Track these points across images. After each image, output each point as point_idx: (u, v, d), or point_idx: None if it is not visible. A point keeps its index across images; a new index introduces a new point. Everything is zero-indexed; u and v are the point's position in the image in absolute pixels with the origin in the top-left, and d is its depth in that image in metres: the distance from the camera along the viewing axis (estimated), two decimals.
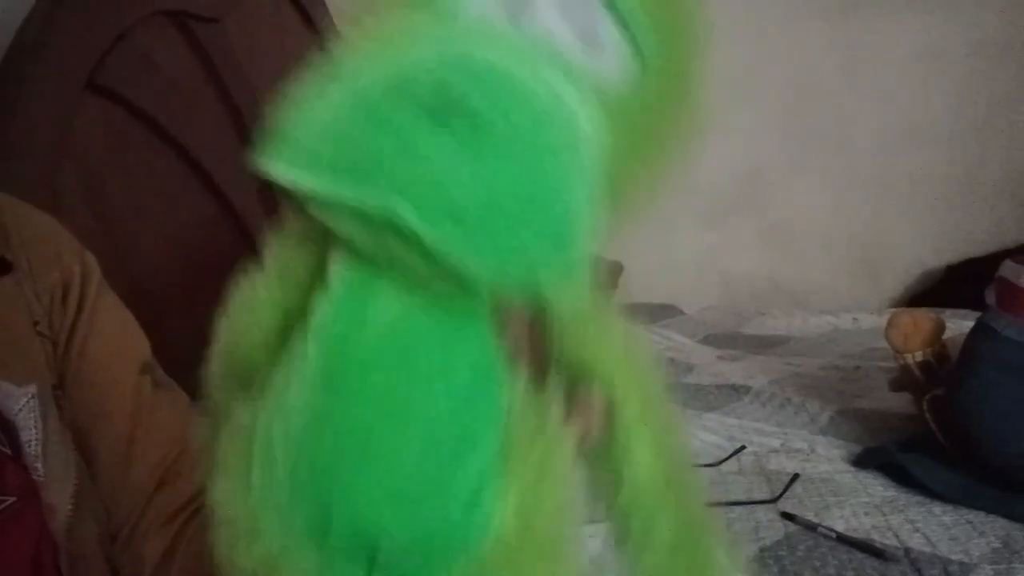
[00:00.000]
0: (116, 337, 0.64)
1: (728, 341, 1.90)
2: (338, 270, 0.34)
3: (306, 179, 0.31)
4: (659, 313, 2.17)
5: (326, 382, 0.32)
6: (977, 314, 1.04)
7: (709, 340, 1.92)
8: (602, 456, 0.37)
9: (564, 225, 0.32)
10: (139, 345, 0.66)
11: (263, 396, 0.34)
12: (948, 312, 1.71)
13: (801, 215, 2.38)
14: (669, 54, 0.38)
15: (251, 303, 0.38)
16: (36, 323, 0.58)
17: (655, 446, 0.38)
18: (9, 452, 0.51)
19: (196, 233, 1.16)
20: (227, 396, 0.38)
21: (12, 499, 0.50)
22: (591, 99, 0.34)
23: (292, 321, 0.36)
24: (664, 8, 0.38)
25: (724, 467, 1.13)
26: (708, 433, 1.26)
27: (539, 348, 0.35)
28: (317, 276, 0.36)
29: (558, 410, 0.35)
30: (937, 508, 0.97)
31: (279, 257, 0.38)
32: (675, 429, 0.40)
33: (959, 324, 1.33)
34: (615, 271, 2.24)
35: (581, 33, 0.36)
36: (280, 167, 0.32)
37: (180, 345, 0.82)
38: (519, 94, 0.32)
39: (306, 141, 0.32)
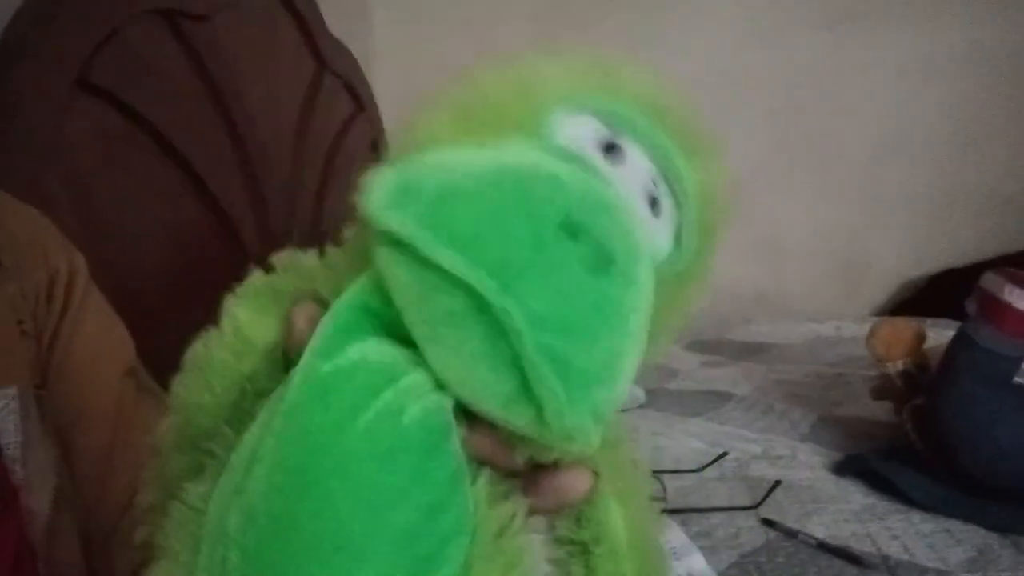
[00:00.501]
0: (101, 338, 0.63)
1: (713, 347, 1.92)
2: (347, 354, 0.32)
3: (408, 227, 0.29)
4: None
5: (299, 476, 0.30)
6: (958, 324, 1.05)
7: (694, 346, 1.93)
8: (576, 530, 0.37)
9: (622, 381, 0.32)
10: (124, 347, 0.66)
11: (218, 477, 0.32)
12: (929, 322, 1.73)
13: (786, 224, 2.40)
14: (703, 238, 0.39)
15: (204, 364, 0.36)
16: (21, 322, 0.57)
17: (627, 518, 0.38)
18: None
19: (185, 233, 1.16)
20: (176, 468, 0.37)
21: None
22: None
23: (249, 389, 0.35)
24: (710, 198, 0.40)
25: (706, 473, 1.14)
26: (691, 439, 1.27)
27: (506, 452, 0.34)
28: (275, 351, 0.35)
29: (522, 510, 0.34)
30: (916, 516, 0.98)
31: (237, 318, 0.36)
32: (646, 498, 0.40)
33: (940, 333, 1.35)
34: None
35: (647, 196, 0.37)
36: (387, 210, 0.30)
37: (167, 348, 0.82)
38: (633, 237, 0.32)
39: (423, 191, 0.30)
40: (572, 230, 0.29)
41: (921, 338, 1.14)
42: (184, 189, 1.15)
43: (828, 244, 2.40)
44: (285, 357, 0.35)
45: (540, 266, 0.29)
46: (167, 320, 1.07)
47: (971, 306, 1.05)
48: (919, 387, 1.11)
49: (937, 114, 2.28)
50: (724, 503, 1.03)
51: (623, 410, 1.38)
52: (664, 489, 1.01)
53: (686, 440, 1.27)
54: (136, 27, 1.05)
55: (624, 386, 0.31)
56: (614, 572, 0.37)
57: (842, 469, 1.12)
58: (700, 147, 0.40)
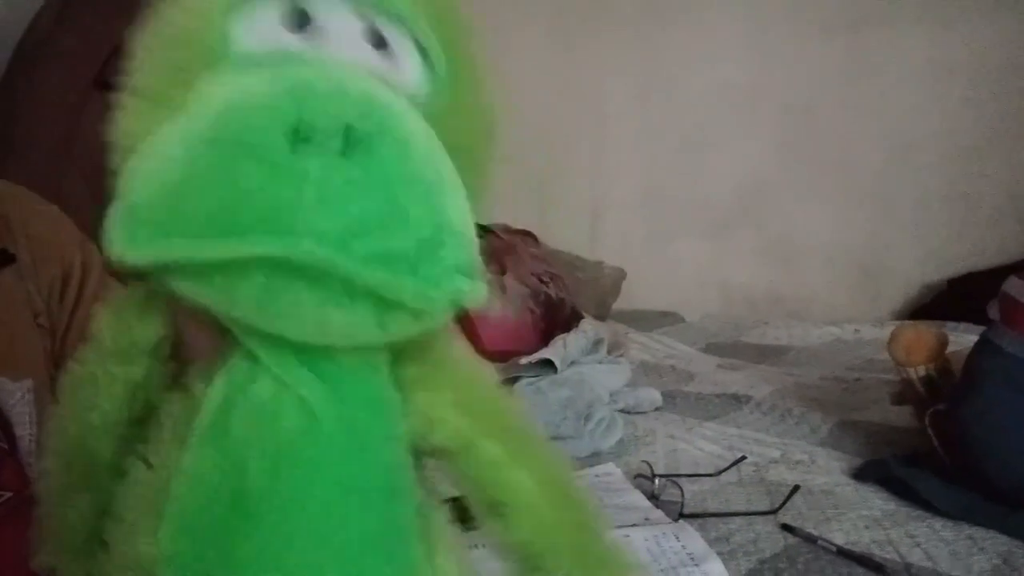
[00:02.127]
0: None
1: (729, 350, 1.90)
2: (233, 362, 0.32)
3: (164, 249, 0.29)
4: (660, 320, 2.17)
5: (233, 497, 0.31)
6: (978, 328, 1.04)
7: (711, 349, 1.92)
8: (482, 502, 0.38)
9: (448, 228, 0.32)
10: None
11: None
12: (949, 325, 1.71)
13: (803, 228, 2.38)
14: (456, 61, 0.38)
15: (84, 382, 0.36)
16: (36, 316, 0.58)
17: (532, 473, 0.38)
18: (6, 446, 0.51)
19: None
20: (75, 517, 0.37)
21: (9, 494, 0.50)
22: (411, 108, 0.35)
23: (140, 397, 0.35)
24: (445, 22, 0.38)
25: (723, 477, 1.13)
26: (708, 443, 1.26)
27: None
28: (161, 350, 0.35)
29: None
30: (938, 523, 0.97)
31: (119, 323, 0.36)
32: (544, 450, 0.40)
33: (961, 338, 1.33)
34: (618, 277, 2.25)
35: (376, 51, 0.36)
36: (132, 246, 0.29)
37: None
38: (376, 107, 0.31)
39: (154, 205, 0.29)
40: (301, 135, 0.29)
41: (943, 343, 1.13)
42: None
43: (846, 247, 2.38)
44: (174, 356, 0.35)
45: (295, 190, 0.28)
46: None
47: (993, 311, 1.03)
48: (941, 393, 1.09)
49: (956, 117, 2.26)
50: (742, 508, 1.02)
51: (639, 412, 1.38)
52: (682, 493, 1.00)
53: (703, 444, 1.26)
54: None
55: (465, 227, 0.32)
56: (536, 525, 0.37)
57: (862, 475, 1.10)
58: None
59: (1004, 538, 0.92)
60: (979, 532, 0.94)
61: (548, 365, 1.38)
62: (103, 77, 0.95)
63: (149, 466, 0.33)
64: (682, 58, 2.35)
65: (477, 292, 0.32)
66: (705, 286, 2.43)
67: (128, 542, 0.32)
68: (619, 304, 2.24)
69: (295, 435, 0.32)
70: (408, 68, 0.36)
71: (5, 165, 0.83)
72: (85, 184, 0.93)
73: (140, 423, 0.35)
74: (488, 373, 0.41)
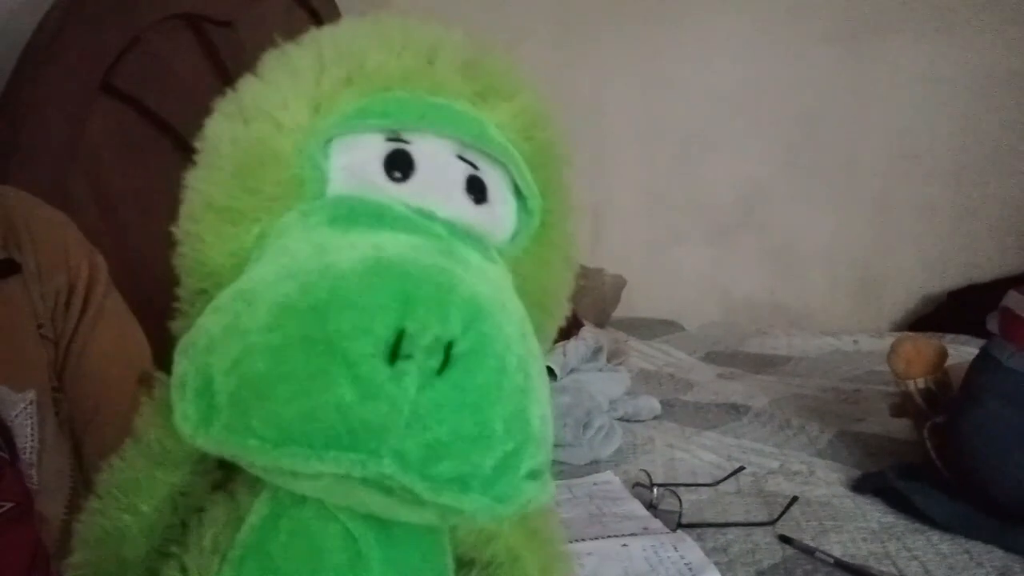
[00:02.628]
0: (117, 342, 0.63)
1: (729, 359, 1.90)
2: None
3: (241, 448, 0.27)
4: (660, 328, 2.17)
5: None
6: (978, 340, 1.04)
7: (710, 358, 1.92)
8: None
9: (537, 430, 0.31)
10: (140, 351, 0.66)
11: None
12: (949, 337, 1.72)
13: (803, 236, 2.38)
14: (552, 212, 0.38)
15: (124, 485, 0.35)
16: (40, 326, 0.57)
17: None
18: (6, 456, 0.51)
19: None
20: None
21: (10, 504, 0.50)
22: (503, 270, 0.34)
23: (182, 506, 0.34)
24: (547, 175, 0.38)
25: (722, 487, 1.13)
26: (707, 452, 1.26)
27: None
28: (208, 459, 0.34)
29: None
30: (935, 537, 0.97)
31: (161, 433, 0.35)
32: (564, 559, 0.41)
33: (960, 350, 1.34)
34: (618, 284, 2.25)
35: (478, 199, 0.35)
36: (206, 433, 0.28)
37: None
38: (479, 319, 0.29)
39: (234, 394, 0.27)
40: (403, 351, 0.27)
41: (943, 356, 1.13)
42: None
43: (846, 257, 2.38)
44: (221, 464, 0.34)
45: (388, 411, 0.26)
46: None
47: (993, 324, 1.03)
48: (940, 405, 1.09)
49: (957, 127, 2.26)
50: (740, 518, 1.02)
51: (638, 420, 1.38)
52: (680, 503, 1.00)
53: (701, 453, 1.26)
54: (159, 32, 1.06)
55: (544, 432, 0.30)
56: None
57: (860, 486, 1.10)
58: (505, 94, 0.37)
59: (1002, 552, 0.92)
60: (977, 546, 0.94)
61: (547, 372, 1.38)
62: (109, 81, 0.96)
63: (185, 574, 0.32)
64: (683, 64, 2.36)
65: (545, 496, 0.30)
66: (705, 294, 2.43)
67: None
68: (619, 312, 2.24)
69: (340, 572, 0.31)
70: (504, 217, 0.35)
71: (9, 167, 0.83)
72: (90, 187, 0.93)
73: (178, 525, 0.34)
74: None
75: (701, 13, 2.31)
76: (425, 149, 0.34)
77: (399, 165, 0.33)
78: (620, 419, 1.37)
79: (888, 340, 1.29)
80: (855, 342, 2.01)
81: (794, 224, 2.38)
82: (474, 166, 0.35)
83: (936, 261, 2.33)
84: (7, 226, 0.58)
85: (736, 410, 1.46)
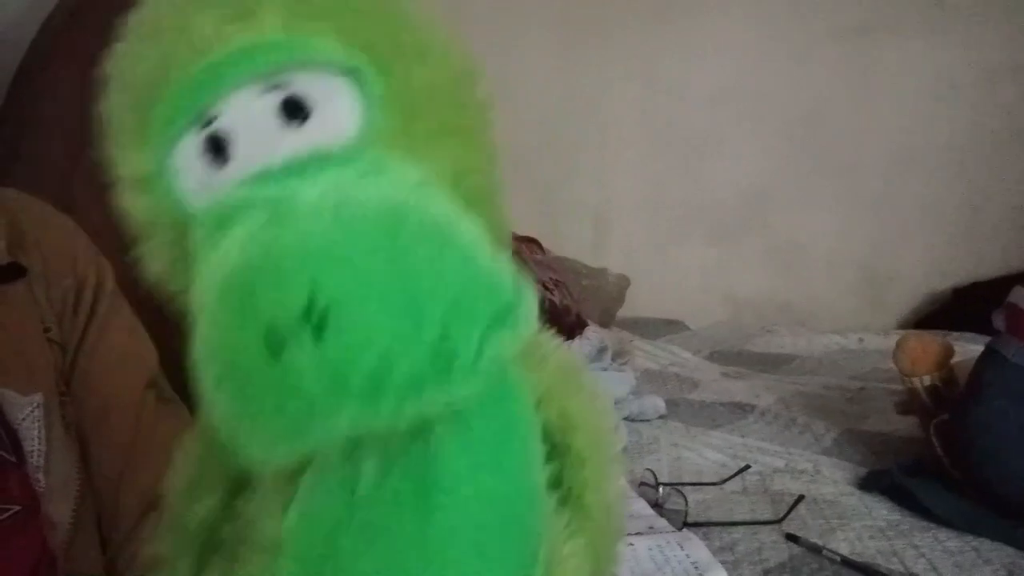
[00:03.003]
0: (125, 347, 0.63)
1: (734, 358, 1.90)
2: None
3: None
4: (665, 328, 2.17)
5: None
6: (983, 338, 1.04)
7: (715, 357, 1.92)
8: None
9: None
10: (147, 357, 0.66)
11: None
12: (954, 335, 1.71)
13: (808, 235, 2.38)
14: (396, 55, 0.34)
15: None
16: (47, 329, 0.57)
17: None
18: (13, 460, 0.51)
19: None
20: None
21: (16, 508, 0.50)
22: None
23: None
24: (368, 34, 0.34)
25: (728, 486, 1.13)
26: (712, 451, 1.26)
27: None
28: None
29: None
30: (942, 534, 0.96)
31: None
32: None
33: (966, 348, 1.33)
34: (623, 284, 2.25)
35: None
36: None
37: (189, 353, 0.82)
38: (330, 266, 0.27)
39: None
40: (279, 339, 0.26)
41: (949, 353, 1.13)
42: None
43: (851, 255, 2.38)
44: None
45: (301, 392, 0.26)
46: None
47: (999, 320, 1.03)
48: (946, 403, 1.09)
49: (963, 125, 2.26)
50: (746, 517, 1.02)
51: (644, 420, 1.37)
52: (686, 502, 1.00)
53: (707, 452, 1.26)
54: None
55: (485, 262, 0.28)
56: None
57: (867, 484, 1.10)
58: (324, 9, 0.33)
59: (1010, 549, 0.92)
60: (984, 543, 0.94)
61: None
62: None
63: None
64: (685, 64, 2.36)
65: (522, 326, 0.28)
66: (709, 293, 2.42)
67: None
68: (623, 311, 2.24)
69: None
70: (337, 118, 0.32)
71: (15, 168, 0.83)
72: (95, 189, 0.93)
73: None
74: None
75: (703, 13, 2.31)
76: (230, 114, 0.32)
77: (215, 151, 0.32)
78: (625, 419, 1.37)
79: (893, 338, 1.29)
80: (860, 340, 2.01)
81: (798, 223, 2.38)
82: (284, 86, 0.32)
83: (941, 259, 2.33)
84: (14, 230, 0.58)
85: (741, 409, 1.45)
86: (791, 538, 0.96)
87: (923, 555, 0.92)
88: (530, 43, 2.36)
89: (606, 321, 2.10)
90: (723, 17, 2.31)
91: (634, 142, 2.41)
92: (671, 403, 1.47)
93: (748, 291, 2.43)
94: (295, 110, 0.31)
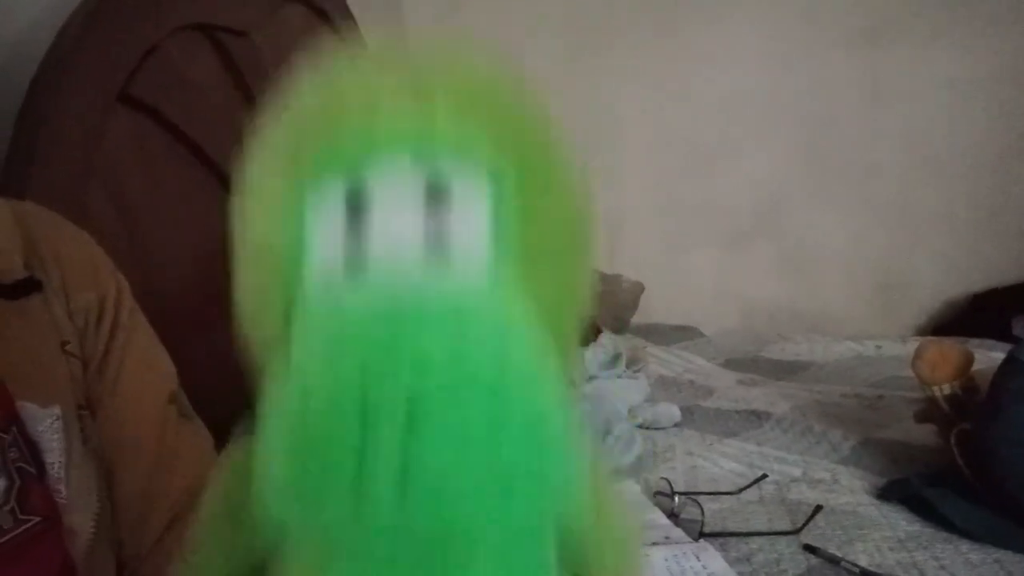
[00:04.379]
0: (148, 364, 0.63)
1: (749, 365, 1.89)
2: None
3: None
4: (679, 334, 2.16)
5: None
6: (1002, 344, 1.03)
7: (730, 364, 1.90)
8: None
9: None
10: (168, 373, 0.66)
11: None
12: (973, 342, 1.69)
13: (823, 241, 2.36)
14: (531, 169, 0.35)
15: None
16: (66, 343, 0.57)
17: None
18: (33, 471, 0.51)
19: (222, 247, 1.16)
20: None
21: (36, 519, 0.50)
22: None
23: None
24: (513, 139, 0.35)
25: (744, 496, 1.12)
26: (728, 460, 1.25)
27: None
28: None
29: None
30: (964, 545, 0.95)
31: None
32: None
33: (984, 355, 1.31)
34: (636, 290, 2.24)
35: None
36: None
37: (203, 359, 0.82)
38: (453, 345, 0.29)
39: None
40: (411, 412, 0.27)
41: (969, 360, 1.11)
42: (222, 201, 1.16)
43: (867, 262, 2.36)
44: None
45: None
46: (202, 330, 1.08)
47: (1019, 328, 1.02)
48: (966, 411, 1.07)
49: (979, 130, 2.24)
50: (764, 527, 1.01)
51: (658, 428, 1.36)
52: (702, 511, 0.99)
53: (723, 461, 1.24)
54: (176, 42, 1.06)
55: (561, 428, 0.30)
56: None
57: (886, 494, 1.09)
58: (483, 109, 0.35)
59: None
60: (1007, 555, 0.92)
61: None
62: (127, 91, 0.96)
63: None
64: (697, 70, 2.35)
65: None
66: (723, 299, 2.41)
67: None
68: (637, 318, 2.23)
69: None
70: (472, 210, 0.33)
71: (27, 178, 0.84)
72: (108, 197, 0.93)
73: None
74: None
75: (715, 17, 2.30)
76: (378, 183, 0.32)
77: (352, 213, 0.32)
78: (640, 426, 1.36)
79: (911, 345, 1.28)
80: (878, 347, 1.99)
81: (813, 229, 2.36)
82: (430, 170, 0.33)
83: (958, 264, 2.31)
84: (30, 244, 0.58)
85: (757, 417, 1.44)
86: (809, 549, 0.94)
87: (944, 567, 0.90)
88: (540, 51, 2.36)
89: (620, 328, 2.08)
90: (734, 23, 2.30)
91: (646, 149, 2.40)
92: (686, 411, 1.46)
93: (762, 297, 2.41)
94: (439, 198, 0.32)
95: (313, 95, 0.35)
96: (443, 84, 0.34)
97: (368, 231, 0.32)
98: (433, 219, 0.32)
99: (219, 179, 1.14)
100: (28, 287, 0.56)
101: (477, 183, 0.33)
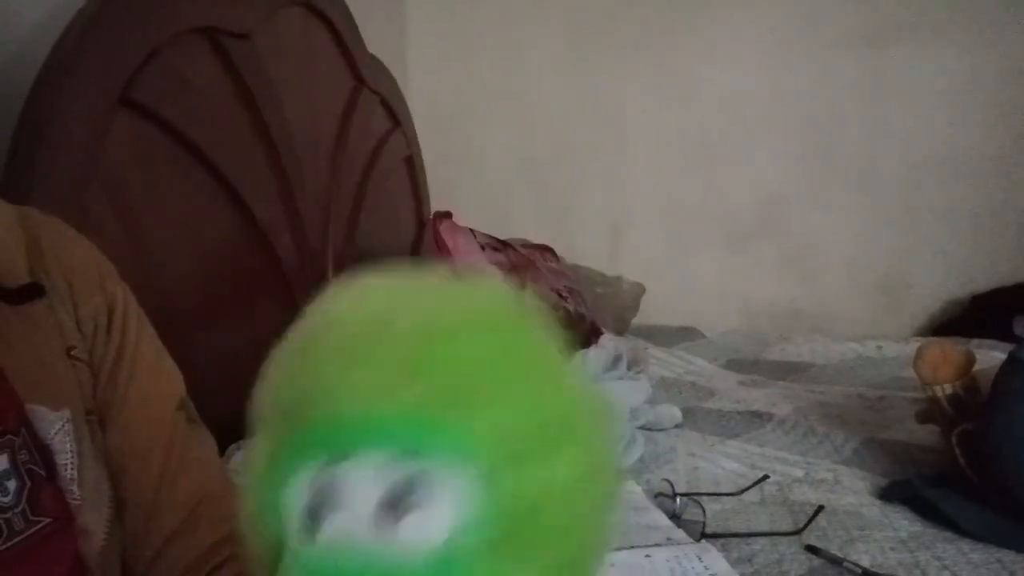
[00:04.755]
0: (156, 374, 0.64)
1: (750, 366, 1.89)
2: None
3: None
4: (680, 336, 2.16)
5: None
6: (1004, 344, 1.03)
7: (731, 365, 1.90)
8: None
9: None
10: (176, 380, 0.66)
11: None
12: (974, 342, 1.69)
13: (825, 242, 2.36)
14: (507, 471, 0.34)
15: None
16: (72, 348, 0.57)
17: None
18: (43, 474, 0.51)
19: (222, 247, 1.16)
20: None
21: (48, 520, 0.50)
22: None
23: None
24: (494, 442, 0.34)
25: (746, 497, 1.12)
26: (729, 461, 1.25)
27: None
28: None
29: None
30: (966, 545, 0.95)
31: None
32: None
33: (987, 355, 1.31)
34: (637, 292, 2.24)
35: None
36: None
37: (203, 361, 0.82)
38: None
39: None
40: None
41: (970, 361, 1.11)
42: (222, 204, 1.16)
43: (868, 262, 2.35)
44: None
45: None
46: (206, 334, 1.08)
47: (1020, 328, 1.02)
48: (968, 411, 1.07)
49: (980, 131, 2.24)
50: (765, 528, 1.01)
51: (660, 429, 1.36)
52: (704, 512, 0.99)
53: (724, 462, 1.24)
54: (177, 45, 1.06)
55: None
56: None
57: (888, 495, 1.09)
58: (459, 400, 0.34)
59: None
60: (1008, 555, 0.92)
61: None
62: (128, 94, 0.96)
63: None
64: (701, 70, 2.35)
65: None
66: (725, 300, 2.41)
67: None
68: (638, 319, 2.23)
69: None
70: (435, 520, 0.33)
71: (29, 181, 0.84)
72: (109, 200, 0.93)
73: None
74: None
75: (717, 19, 2.30)
76: (346, 478, 0.33)
77: (311, 515, 0.33)
78: (641, 428, 1.36)
79: (912, 345, 1.28)
80: (879, 348, 1.99)
81: (814, 230, 2.36)
82: (400, 473, 0.33)
83: (960, 265, 2.30)
84: (35, 250, 0.58)
85: (759, 418, 1.44)
86: (811, 550, 0.94)
87: (947, 567, 0.90)
88: (544, 51, 2.36)
89: (621, 329, 2.08)
90: (737, 24, 2.30)
91: (648, 149, 2.41)
92: (687, 412, 1.45)
93: (764, 298, 2.41)
94: (397, 504, 0.32)
95: (302, 359, 0.36)
96: (436, 365, 0.34)
97: (331, 503, 0.33)
98: (391, 528, 0.32)
99: (219, 181, 1.14)
100: (32, 293, 0.56)
101: (450, 477, 0.32)
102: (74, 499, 0.52)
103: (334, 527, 0.32)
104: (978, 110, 2.23)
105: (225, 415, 0.70)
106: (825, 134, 2.31)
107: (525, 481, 0.33)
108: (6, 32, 0.92)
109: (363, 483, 0.32)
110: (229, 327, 1.14)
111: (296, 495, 0.33)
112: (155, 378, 0.62)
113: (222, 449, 0.66)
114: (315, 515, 0.33)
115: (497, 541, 0.33)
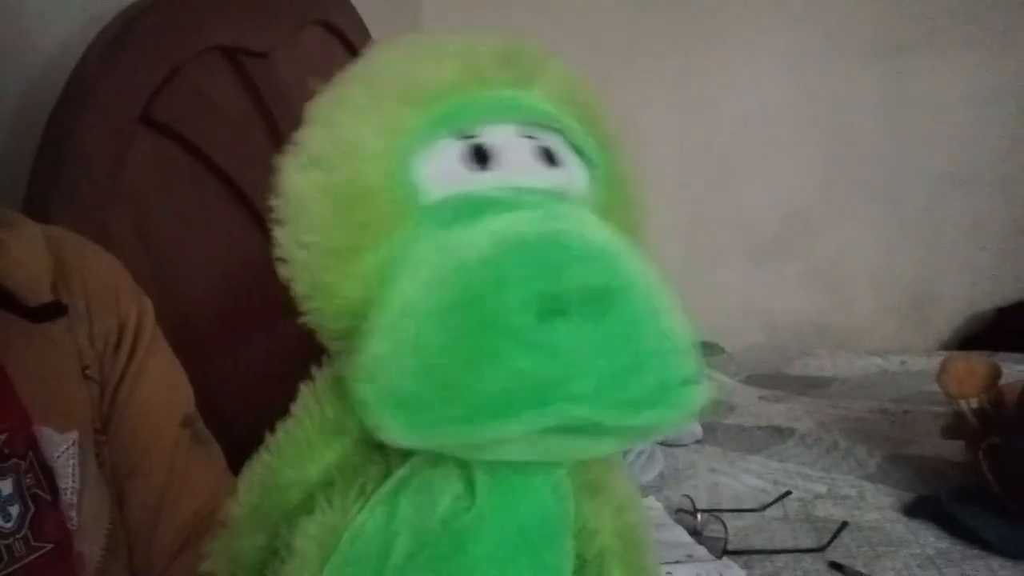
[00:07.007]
0: (163, 386, 0.64)
1: (771, 381, 1.87)
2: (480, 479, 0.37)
3: (446, 436, 0.32)
4: (701, 351, 2.13)
5: None
6: None
7: (752, 380, 1.89)
8: None
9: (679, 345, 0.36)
10: (184, 396, 0.66)
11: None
12: (1000, 356, 1.67)
13: (848, 256, 2.34)
14: (612, 158, 0.45)
15: (301, 442, 0.40)
16: (86, 367, 0.58)
17: None
18: (48, 498, 0.51)
19: (244, 266, 1.17)
20: (248, 547, 0.41)
21: (49, 546, 0.50)
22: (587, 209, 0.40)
23: (346, 470, 0.39)
24: (597, 128, 0.44)
25: (768, 513, 1.10)
26: (751, 476, 1.23)
27: None
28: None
29: None
30: (995, 563, 0.93)
31: (335, 405, 0.40)
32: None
33: (1012, 368, 1.29)
34: None
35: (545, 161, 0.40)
36: (411, 435, 0.33)
37: (226, 381, 0.83)
38: (610, 264, 0.34)
39: (417, 389, 0.32)
40: (551, 307, 0.31)
41: (996, 374, 1.09)
42: (243, 221, 1.17)
43: (892, 276, 2.33)
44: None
45: (552, 365, 0.31)
46: (225, 352, 1.08)
47: None
48: (995, 425, 1.05)
49: (1005, 142, 2.22)
50: (788, 545, 1.00)
51: (680, 445, 1.35)
52: (725, 529, 0.97)
53: (746, 478, 1.23)
54: (198, 65, 1.07)
55: (685, 342, 0.37)
56: None
57: (913, 511, 1.07)
58: (541, 71, 0.43)
59: None
60: None
61: None
62: (149, 113, 0.97)
63: (330, 506, 0.37)
64: (723, 83, 2.34)
65: (705, 396, 0.36)
66: (748, 315, 2.39)
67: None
68: None
69: (449, 518, 0.36)
70: (577, 175, 0.41)
71: (51, 200, 0.85)
72: (131, 218, 0.94)
73: (333, 484, 0.39)
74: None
75: (739, 32, 2.30)
76: (494, 138, 0.39)
77: (479, 158, 0.38)
78: (661, 443, 1.35)
79: (937, 359, 1.26)
80: (902, 362, 1.96)
81: (838, 244, 2.34)
82: (537, 139, 0.40)
83: (984, 278, 2.28)
84: (60, 269, 0.59)
85: (780, 433, 1.42)
86: (835, 567, 0.93)
87: None
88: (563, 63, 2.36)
89: None
90: (759, 38, 2.29)
91: (671, 164, 2.40)
92: (708, 427, 1.44)
93: (788, 313, 2.39)
94: (550, 158, 0.40)
95: (415, 50, 0.41)
96: (538, 70, 0.43)
97: (497, 173, 0.38)
98: (550, 171, 0.40)
99: (239, 199, 1.14)
100: (53, 311, 0.56)
101: (569, 153, 0.41)
102: (71, 525, 0.53)
103: (509, 163, 0.39)
104: (1002, 121, 2.21)
105: (243, 430, 0.71)
106: (848, 147, 2.30)
107: (616, 162, 0.44)
108: (29, 53, 0.93)
109: (513, 141, 0.40)
110: (250, 344, 1.15)
111: (446, 151, 0.38)
112: (158, 395, 0.63)
113: (240, 466, 0.66)
114: (482, 157, 0.39)
115: (603, 204, 0.43)
